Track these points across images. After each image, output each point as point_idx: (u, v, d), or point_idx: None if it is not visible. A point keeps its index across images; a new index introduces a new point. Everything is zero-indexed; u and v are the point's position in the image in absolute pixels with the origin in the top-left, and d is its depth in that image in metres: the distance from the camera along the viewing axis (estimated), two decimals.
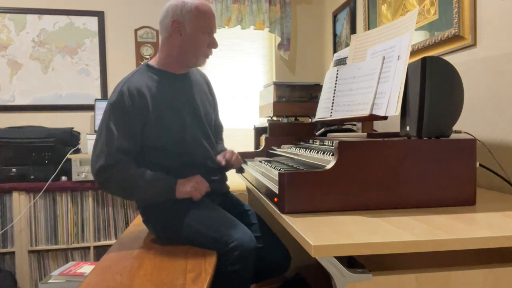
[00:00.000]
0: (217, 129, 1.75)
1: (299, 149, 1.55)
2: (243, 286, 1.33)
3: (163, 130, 1.43)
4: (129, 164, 1.39)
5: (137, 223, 1.69)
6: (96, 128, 2.10)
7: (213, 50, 1.53)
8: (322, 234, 0.84)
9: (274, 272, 1.57)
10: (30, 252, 2.52)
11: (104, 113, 1.43)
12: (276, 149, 1.91)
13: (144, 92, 1.41)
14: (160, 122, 1.43)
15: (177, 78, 1.52)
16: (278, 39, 3.11)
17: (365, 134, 1.32)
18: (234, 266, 1.28)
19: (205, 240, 1.34)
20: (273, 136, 2.05)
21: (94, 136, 1.62)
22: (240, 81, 3.17)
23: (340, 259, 0.82)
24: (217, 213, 1.42)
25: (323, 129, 1.78)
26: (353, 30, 2.63)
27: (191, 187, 1.41)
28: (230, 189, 1.70)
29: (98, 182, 1.40)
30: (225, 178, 1.65)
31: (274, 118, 2.20)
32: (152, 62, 1.52)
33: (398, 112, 1.12)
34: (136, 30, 3.03)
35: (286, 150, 1.73)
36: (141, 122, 1.41)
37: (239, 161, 1.65)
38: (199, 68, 1.67)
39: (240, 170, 1.92)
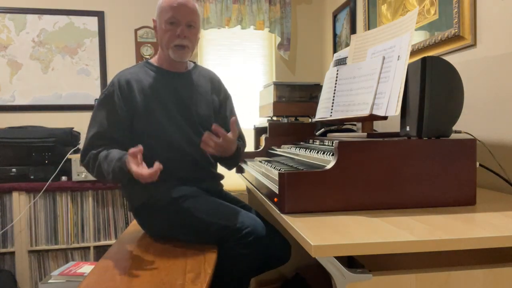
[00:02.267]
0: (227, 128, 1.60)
1: (299, 149, 1.55)
2: (250, 270, 1.37)
3: (151, 124, 1.48)
4: (101, 150, 1.42)
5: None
6: None
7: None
8: (322, 234, 0.84)
9: (276, 262, 1.60)
10: (30, 252, 2.52)
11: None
12: (276, 149, 1.91)
13: (132, 84, 1.49)
14: (148, 116, 1.48)
15: (172, 76, 1.57)
16: (278, 39, 3.11)
17: (365, 134, 1.32)
18: (245, 250, 1.31)
19: (216, 229, 1.35)
20: (273, 136, 2.05)
21: None
22: (240, 81, 3.17)
23: (340, 259, 0.82)
24: (222, 204, 1.44)
25: (323, 129, 1.78)
26: (353, 30, 2.63)
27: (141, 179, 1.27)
28: (224, 187, 1.71)
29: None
30: (218, 177, 1.66)
31: (274, 118, 2.20)
32: (152, 60, 1.63)
33: (398, 112, 1.12)
34: (136, 30, 3.03)
35: (286, 150, 1.73)
36: (129, 113, 1.47)
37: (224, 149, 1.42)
38: (207, 69, 1.74)
39: (240, 170, 1.91)
